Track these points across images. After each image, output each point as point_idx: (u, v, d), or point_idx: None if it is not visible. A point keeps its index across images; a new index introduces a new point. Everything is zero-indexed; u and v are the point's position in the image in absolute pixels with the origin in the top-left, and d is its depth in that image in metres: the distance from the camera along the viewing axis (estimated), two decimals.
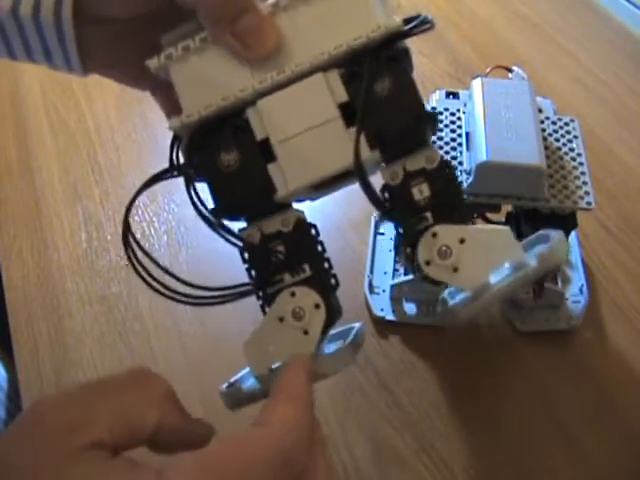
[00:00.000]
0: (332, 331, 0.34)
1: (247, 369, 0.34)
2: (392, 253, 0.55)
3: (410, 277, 0.50)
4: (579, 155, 0.47)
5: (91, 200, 0.63)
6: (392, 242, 0.55)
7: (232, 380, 0.35)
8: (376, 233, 0.56)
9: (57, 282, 0.56)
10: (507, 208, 0.49)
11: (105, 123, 0.70)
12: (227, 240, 0.33)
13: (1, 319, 0.55)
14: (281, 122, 0.31)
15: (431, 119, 0.32)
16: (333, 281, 0.34)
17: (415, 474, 0.44)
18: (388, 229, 0.56)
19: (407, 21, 0.32)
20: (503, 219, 0.51)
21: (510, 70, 0.53)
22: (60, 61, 0.34)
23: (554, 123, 0.49)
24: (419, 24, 0.32)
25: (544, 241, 0.35)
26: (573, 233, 0.48)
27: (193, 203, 0.32)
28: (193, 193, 0.32)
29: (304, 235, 0.33)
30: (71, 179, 0.65)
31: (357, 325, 0.36)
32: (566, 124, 0.49)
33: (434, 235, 0.31)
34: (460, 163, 0.46)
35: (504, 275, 0.31)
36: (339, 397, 0.48)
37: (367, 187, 0.31)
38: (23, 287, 0.57)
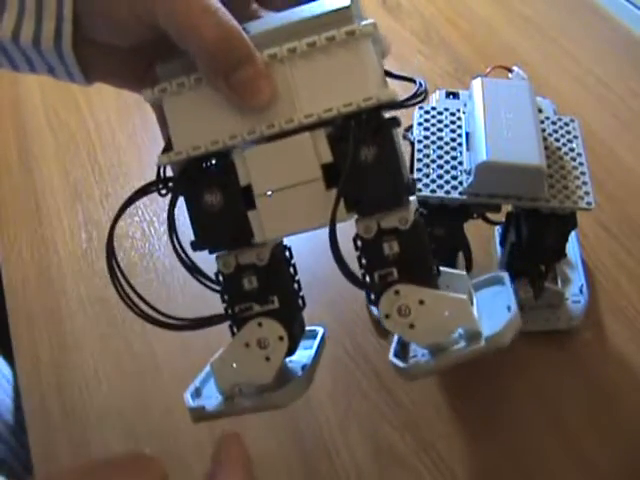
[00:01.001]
0: None
1: (208, 368, 0.36)
2: None
3: None
4: (579, 155, 0.47)
5: (91, 200, 0.63)
6: None
7: (197, 384, 0.37)
8: None
9: (57, 282, 0.56)
10: (507, 208, 0.49)
11: (105, 123, 0.70)
12: (202, 284, 0.35)
13: (1, 319, 0.55)
14: (265, 175, 0.32)
15: (410, 190, 0.33)
16: (300, 302, 0.37)
17: (415, 474, 0.44)
18: None
19: (400, 77, 0.33)
20: (503, 219, 0.51)
21: (510, 70, 0.53)
22: (63, 76, 0.34)
23: (554, 123, 0.49)
24: (413, 96, 0.33)
25: (497, 282, 0.37)
26: (573, 233, 0.48)
27: (174, 248, 0.33)
28: (175, 240, 0.33)
29: (277, 268, 0.35)
30: (71, 179, 0.65)
31: (317, 340, 0.38)
32: (566, 124, 0.49)
33: (396, 292, 0.33)
34: (460, 163, 0.46)
35: (456, 336, 0.33)
36: (339, 397, 0.48)
37: (339, 258, 0.32)
38: (23, 287, 0.57)
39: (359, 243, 0.33)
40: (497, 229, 0.55)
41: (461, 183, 0.44)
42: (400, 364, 0.35)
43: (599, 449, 0.45)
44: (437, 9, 0.81)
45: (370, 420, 0.47)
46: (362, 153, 0.31)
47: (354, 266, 0.33)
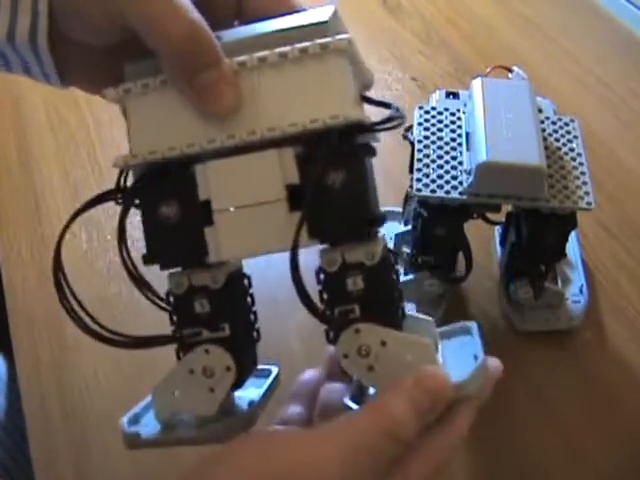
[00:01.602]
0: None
1: (150, 398, 0.34)
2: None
3: (410, 277, 0.50)
4: (579, 155, 0.47)
5: None
6: (392, 242, 0.55)
7: (137, 410, 0.34)
8: None
9: None
10: (507, 208, 0.49)
11: (106, 122, 0.70)
12: (150, 300, 0.33)
13: (1, 320, 0.55)
14: (226, 190, 0.30)
15: (377, 222, 0.31)
16: (255, 335, 0.35)
17: None
18: (388, 229, 0.56)
19: (378, 103, 0.31)
20: (503, 219, 0.51)
21: (510, 70, 0.53)
22: (39, 76, 0.34)
23: (554, 123, 0.49)
24: (386, 120, 0.31)
25: (465, 333, 0.34)
26: (573, 233, 0.48)
27: (122, 259, 0.32)
28: (124, 251, 0.32)
29: (231, 294, 0.33)
30: (71, 179, 0.65)
31: (269, 380, 0.36)
32: (566, 124, 0.49)
33: (357, 331, 0.30)
34: (460, 163, 0.46)
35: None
36: None
37: (300, 287, 0.29)
38: (23, 287, 0.56)
39: (322, 276, 0.31)
40: (497, 229, 0.55)
41: (461, 183, 0.44)
42: (354, 407, 0.33)
43: (599, 449, 0.45)
44: (437, 9, 0.81)
45: None
46: (330, 177, 0.29)
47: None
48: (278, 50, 0.29)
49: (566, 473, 0.44)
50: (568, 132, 0.48)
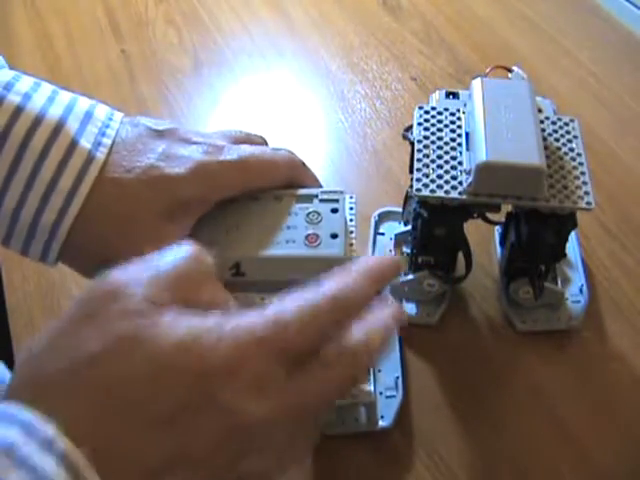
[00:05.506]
0: None
1: None
2: (392, 253, 0.55)
3: (410, 277, 0.50)
4: (579, 155, 0.47)
5: None
6: (392, 242, 0.55)
7: None
8: (376, 233, 0.56)
9: (57, 283, 0.56)
10: (507, 208, 0.49)
11: None
12: None
13: (1, 320, 0.55)
14: None
15: None
16: None
17: (415, 474, 0.44)
18: (388, 229, 0.56)
19: None
20: (503, 219, 0.51)
21: (510, 70, 0.53)
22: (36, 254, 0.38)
23: (554, 123, 0.49)
24: None
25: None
26: (573, 233, 0.48)
27: None
28: None
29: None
30: None
31: None
32: (566, 124, 0.49)
33: None
34: (460, 163, 0.46)
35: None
36: None
37: None
38: (23, 288, 0.56)
39: None
40: (497, 229, 0.55)
41: (461, 183, 0.44)
42: None
43: (599, 449, 0.45)
44: (437, 9, 0.81)
45: None
46: None
47: None
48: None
49: (566, 472, 0.44)
50: (568, 132, 0.48)
